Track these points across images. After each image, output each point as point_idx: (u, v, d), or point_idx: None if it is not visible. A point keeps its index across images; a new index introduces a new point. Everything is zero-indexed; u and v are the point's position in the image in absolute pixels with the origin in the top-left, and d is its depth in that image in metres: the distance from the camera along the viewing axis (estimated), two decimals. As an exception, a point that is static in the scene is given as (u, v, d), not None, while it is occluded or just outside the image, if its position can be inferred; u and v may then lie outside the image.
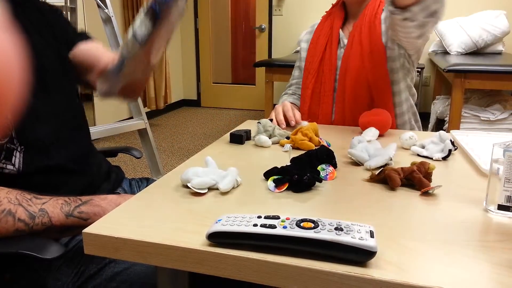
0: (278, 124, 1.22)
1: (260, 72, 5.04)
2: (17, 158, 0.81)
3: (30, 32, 0.89)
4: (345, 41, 1.32)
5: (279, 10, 4.88)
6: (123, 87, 0.87)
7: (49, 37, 0.94)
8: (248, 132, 1.11)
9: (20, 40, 0.20)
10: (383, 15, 1.26)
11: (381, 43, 1.23)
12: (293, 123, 1.21)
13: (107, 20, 2.33)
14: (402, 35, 1.11)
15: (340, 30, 1.34)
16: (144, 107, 4.24)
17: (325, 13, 1.41)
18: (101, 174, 1.02)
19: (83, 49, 0.97)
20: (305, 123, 1.11)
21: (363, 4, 1.30)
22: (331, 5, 1.42)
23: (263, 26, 5.01)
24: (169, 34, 0.78)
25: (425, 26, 1.05)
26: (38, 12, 0.94)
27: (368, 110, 1.17)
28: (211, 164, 0.82)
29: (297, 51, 1.41)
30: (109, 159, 1.23)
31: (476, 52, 3.62)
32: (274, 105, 2.89)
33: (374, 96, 1.25)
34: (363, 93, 1.26)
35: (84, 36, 1.02)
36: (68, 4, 2.48)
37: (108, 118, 4.03)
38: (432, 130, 3.53)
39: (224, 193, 0.75)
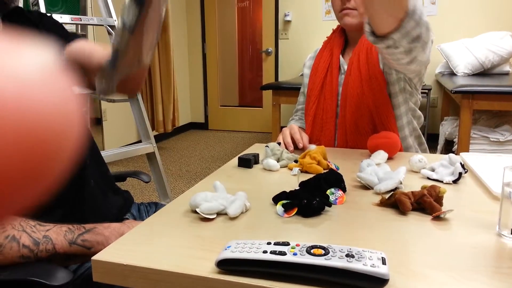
0: (286, 147, 1.22)
1: (267, 94, 5.09)
2: None
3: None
4: (345, 67, 1.33)
5: (285, 34, 4.95)
6: (120, 83, 0.84)
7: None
8: (256, 156, 1.11)
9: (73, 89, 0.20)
10: None
11: (379, 69, 1.24)
12: (300, 145, 1.21)
13: (117, 46, 2.37)
14: (393, 62, 1.06)
15: (341, 56, 1.35)
16: (153, 130, 4.28)
17: (326, 39, 1.42)
18: (111, 199, 1.03)
19: (75, 48, 0.94)
20: (313, 147, 1.11)
21: (363, 31, 1.31)
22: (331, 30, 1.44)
23: (269, 50, 5.08)
24: (157, 22, 0.76)
25: (412, 52, 0.99)
26: (32, 24, 0.94)
27: (371, 135, 1.17)
28: (219, 189, 0.82)
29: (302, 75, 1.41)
30: (118, 183, 1.23)
31: (483, 73, 3.63)
32: (282, 127, 2.87)
33: (376, 122, 1.24)
34: (365, 119, 1.26)
35: (75, 36, 1.01)
36: (79, 31, 2.54)
37: (117, 142, 4.06)
38: (441, 152, 3.51)
39: (233, 218, 0.74)
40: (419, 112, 1.34)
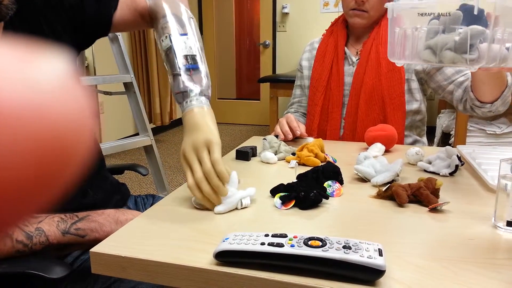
0: (285, 136, 1.22)
1: (265, 87, 5.07)
2: None
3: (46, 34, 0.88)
4: (353, 58, 1.35)
5: (283, 26, 4.93)
6: None
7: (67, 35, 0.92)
8: (254, 149, 1.11)
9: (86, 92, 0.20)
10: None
11: (401, 67, 1.26)
12: (298, 132, 1.22)
13: (114, 39, 2.36)
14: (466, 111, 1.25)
15: (345, 47, 1.36)
16: (150, 123, 4.27)
17: (325, 32, 1.43)
18: (108, 193, 1.03)
19: (119, 23, 0.98)
20: (310, 139, 1.11)
21: (369, 27, 1.32)
22: (330, 23, 1.44)
23: (267, 42, 5.06)
24: None
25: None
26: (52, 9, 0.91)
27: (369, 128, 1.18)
28: (233, 182, 0.79)
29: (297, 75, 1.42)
30: (115, 176, 1.23)
31: (480, 65, 3.63)
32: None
33: (387, 113, 1.27)
34: (377, 109, 1.28)
35: (106, 8, 0.96)
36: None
37: (114, 135, 4.06)
38: (438, 144, 3.52)
39: (231, 210, 0.75)
40: (424, 110, 1.37)
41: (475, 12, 0.68)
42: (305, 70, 1.46)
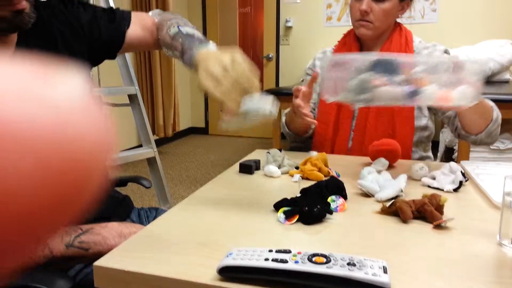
0: (297, 108, 1.18)
1: (268, 100, 5.08)
2: None
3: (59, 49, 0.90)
4: None
5: (286, 40, 4.96)
6: None
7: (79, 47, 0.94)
8: (257, 162, 1.11)
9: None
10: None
11: None
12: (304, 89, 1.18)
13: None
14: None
15: None
16: (153, 134, 4.29)
17: (338, 43, 1.44)
18: (111, 205, 1.03)
19: (130, 39, 1.00)
20: (314, 153, 1.11)
21: (379, 40, 1.35)
22: (339, 35, 1.46)
23: (270, 55, 5.09)
24: None
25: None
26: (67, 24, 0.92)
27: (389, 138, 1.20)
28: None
29: (304, 80, 1.42)
30: (118, 188, 1.23)
31: (483, 80, 3.64)
32: (282, 133, 2.84)
33: (396, 127, 1.28)
34: (385, 123, 1.29)
35: (120, 27, 0.99)
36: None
37: (117, 146, 4.06)
38: (441, 159, 3.51)
39: (235, 224, 0.75)
40: (432, 127, 1.37)
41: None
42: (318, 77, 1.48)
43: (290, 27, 4.90)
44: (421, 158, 1.37)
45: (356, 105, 1.00)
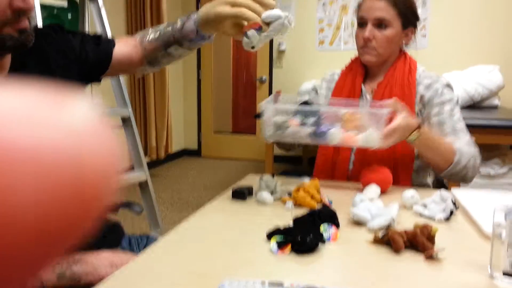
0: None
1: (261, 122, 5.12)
2: None
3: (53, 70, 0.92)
4: (368, 96, 1.39)
5: (279, 63, 5.03)
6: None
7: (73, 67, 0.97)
8: (250, 189, 1.11)
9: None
10: (425, 94, 1.33)
11: (413, 109, 1.30)
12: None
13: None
14: None
15: (362, 84, 1.41)
16: (145, 156, 4.27)
17: (345, 68, 1.47)
18: (102, 233, 1.02)
19: (116, 57, 1.03)
20: (307, 180, 1.12)
21: (383, 67, 1.38)
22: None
23: (263, 78, 5.15)
24: None
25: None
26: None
27: (389, 164, 1.21)
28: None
29: (301, 101, 1.42)
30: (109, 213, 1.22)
31: (472, 106, 3.69)
32: (275, 156, 2.87)
33: (397, 152, 1.28)
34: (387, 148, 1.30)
35: (102, 41, 1.04)
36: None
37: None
38: (433, 184, 3.52)
39: (228, 253, 0.74)
40: None
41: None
42: (322, 98, 1.49)
43: (283, 51, 4.97)
44: (421, 185, 1.37)
45: (272, 140, 1.20)
